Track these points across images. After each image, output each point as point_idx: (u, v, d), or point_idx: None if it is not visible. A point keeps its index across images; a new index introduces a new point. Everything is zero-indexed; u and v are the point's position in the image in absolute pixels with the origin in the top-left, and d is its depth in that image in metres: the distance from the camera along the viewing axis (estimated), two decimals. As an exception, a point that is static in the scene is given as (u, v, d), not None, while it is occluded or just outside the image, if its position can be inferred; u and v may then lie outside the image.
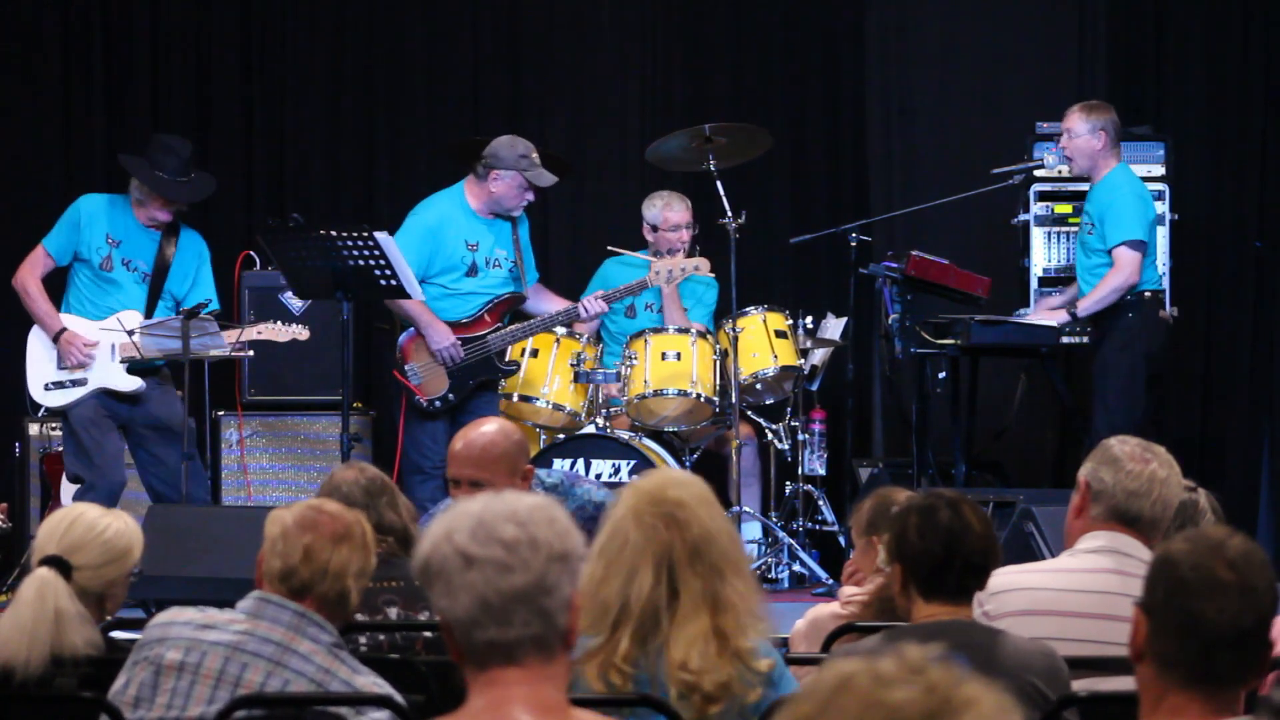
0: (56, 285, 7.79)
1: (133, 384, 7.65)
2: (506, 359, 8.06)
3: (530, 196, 8.05)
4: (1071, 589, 3.89)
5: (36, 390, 7.69)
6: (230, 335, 7.72)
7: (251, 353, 8.18)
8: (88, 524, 3.82)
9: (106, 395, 7.65)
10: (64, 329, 7.63)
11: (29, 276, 7.71)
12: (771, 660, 3.26)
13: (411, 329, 8.03)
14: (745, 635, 3.24)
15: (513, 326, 8.06)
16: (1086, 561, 3.94)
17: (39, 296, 7.70)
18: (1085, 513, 3.99)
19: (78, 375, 7.62)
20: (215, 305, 7.80)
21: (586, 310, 8.07)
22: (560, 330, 8.20)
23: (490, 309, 8.03)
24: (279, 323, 7.76)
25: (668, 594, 3.23)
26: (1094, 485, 3.96)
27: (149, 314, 7.71)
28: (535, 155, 7.97)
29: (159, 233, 7.74)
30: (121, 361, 7.63)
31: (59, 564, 3.74)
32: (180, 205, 7.75)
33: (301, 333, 7.75)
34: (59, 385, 7.64)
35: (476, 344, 7.98)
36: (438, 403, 7.96)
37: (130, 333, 7.58)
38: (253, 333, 7.74)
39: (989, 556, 3.61)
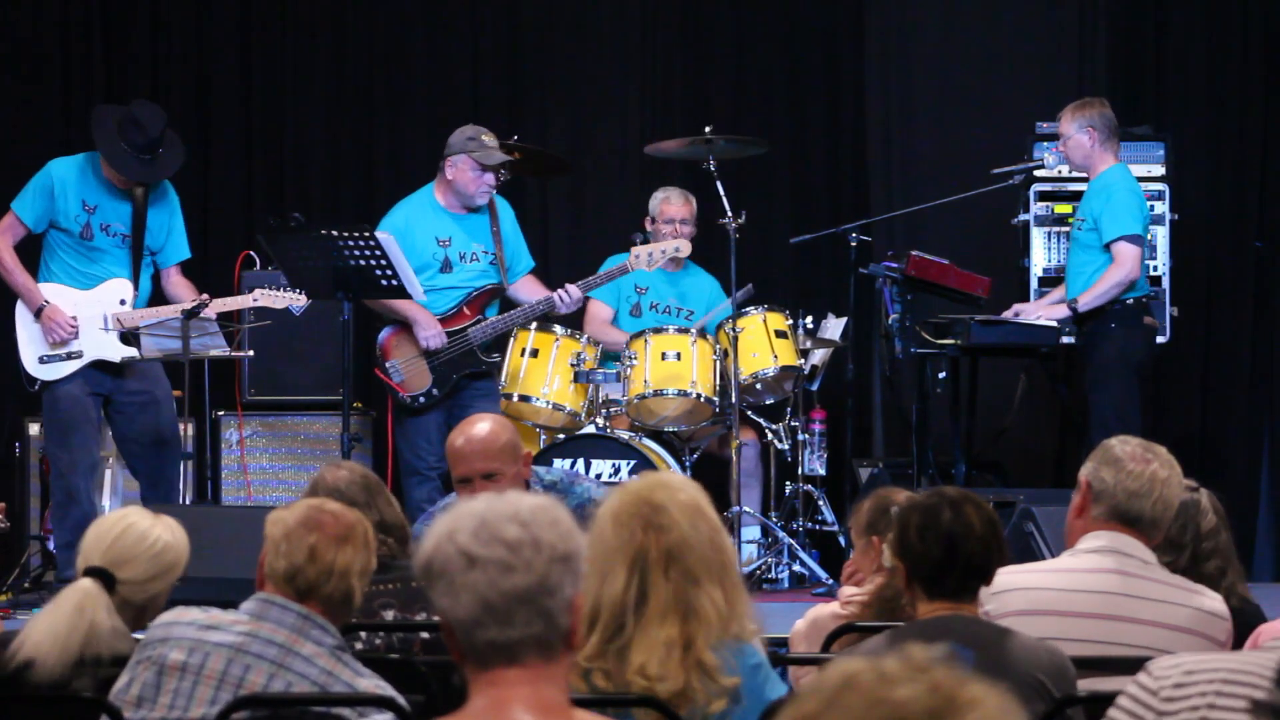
0: (30, 250, 7.60)
1: (125, 353, 7.47)
2: (494, 352, 8.01)
3: (489, 180, 7.93)
4: (1072, 589, 3.89)
5: (31, 364, 7.46)
6: (225, 303, 7.51)
7: (251, 353, 8.16)
8: (138, 535, 3.74)
9: (93, 367, 7.47)
10: (44, 305, 7.43)
11: (2, 245, 7.49)
12: (737, 679, 3.22)
13: (389, 326, 8.00)
14: (713, 647, 3.21)
15: (494, 319, 8.02)
16: (1087, 561, 3.94)
17: (15, 268, 7.50)
18: (1086, 512, 3.99)
19: (73, 348, 7.43)
20: (186, 254, 7.67)
21: (563, 300, 7.99)
22: (560, 329, 8.18)
23: (469, 302, 8.00)
24: (273, 288, 7.49)
25: (636, 597, 3.22)
26: (1095, 485, 3.97)
27: (135, 278, 7.53)
28: (486, 137, 7.90)
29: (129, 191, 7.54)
30: (112, 330, 7.44)
31: (103, 576, 3.68)
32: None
33: (299, 298, 7.46)
34: (53, 358, 7.44)
35: (457, 337, 7.95)
36: (421, 398, 7.91)
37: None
38: (248, 300, 7.50)
39: (991, 557, 3.60)
